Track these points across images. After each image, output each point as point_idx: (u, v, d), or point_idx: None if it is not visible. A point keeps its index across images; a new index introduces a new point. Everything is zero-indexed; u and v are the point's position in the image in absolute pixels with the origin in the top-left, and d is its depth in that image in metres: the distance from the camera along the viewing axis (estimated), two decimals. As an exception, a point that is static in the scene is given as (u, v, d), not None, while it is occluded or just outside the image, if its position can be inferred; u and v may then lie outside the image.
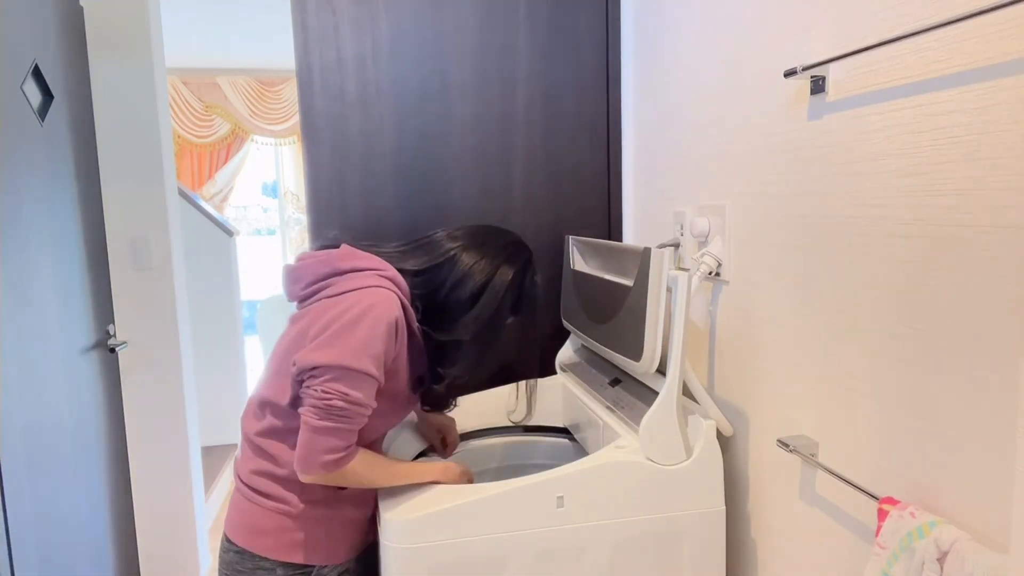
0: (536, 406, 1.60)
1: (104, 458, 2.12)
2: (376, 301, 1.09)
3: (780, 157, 1.13)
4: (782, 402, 1.17)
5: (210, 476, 3.46)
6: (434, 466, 1.21)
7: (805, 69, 1.00)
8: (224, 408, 3.92)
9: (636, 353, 1.20)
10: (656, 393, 1.19)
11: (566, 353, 1.68)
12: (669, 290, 1.17)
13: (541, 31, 1.70)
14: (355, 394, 1.06)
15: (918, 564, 0.80)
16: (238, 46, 4.52)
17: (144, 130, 2.24)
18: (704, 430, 1.18)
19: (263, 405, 1.17)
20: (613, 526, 1.16)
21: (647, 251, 1.16)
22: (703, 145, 1.39)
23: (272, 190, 5.76)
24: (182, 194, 3.30)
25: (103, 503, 2.10)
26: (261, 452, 1.17)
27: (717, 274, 1.33)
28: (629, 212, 1.79)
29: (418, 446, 1.51)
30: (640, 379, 1.34)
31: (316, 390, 1.05)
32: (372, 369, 1.07)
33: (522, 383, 1.61)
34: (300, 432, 1.07)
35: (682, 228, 1.47)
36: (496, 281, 1.19)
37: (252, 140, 5.34)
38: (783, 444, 1.09)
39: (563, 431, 1.62)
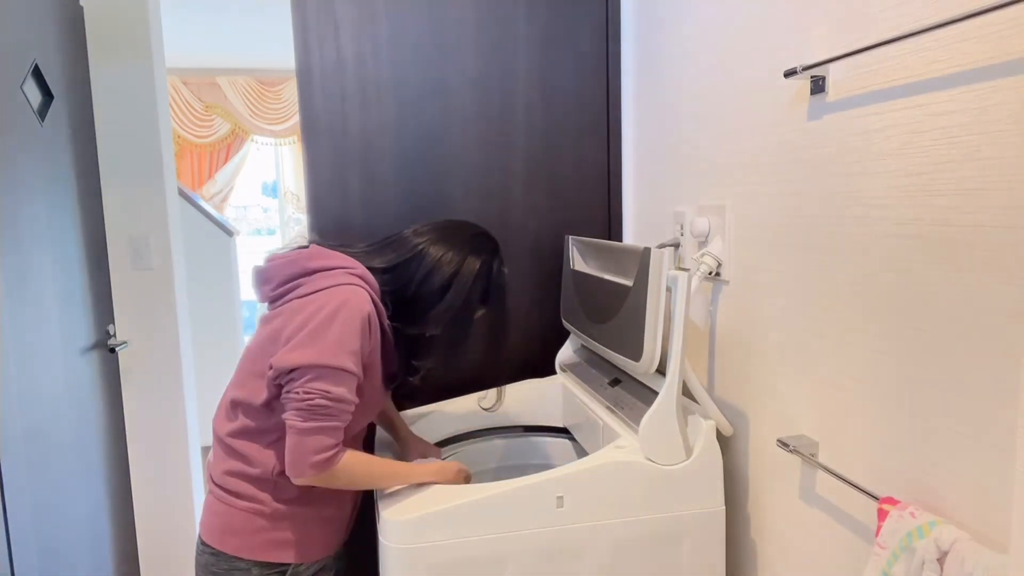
0: (506, 395, 1.60)
1: (104, 458, 2.12)
2: (347, 298, 1.10)
3: (780, 157, 1.13)
4: (782, 402, 1.17)
5: (210, 476, 3.45)
6: (430, 467, 1.21)
7: (805, 69, 1.00)
8: (224, 408, 3.91)
9: (636, 353, 1.20)
10: (656, 393, 1.19)
11: (566, 353, 1.68)
12: (669, 290, 1.17)
13: (541, 31, 1.70)
14: (337, 391, 1.07)
15: (918, 564, 0.80)
16: (238, 46, 4.52)
17: (144, 130, 2.24)
18: (704, 430, 1.18)
19: (235, 406, 1.18)
20: (613, 526, 1.16)
21: (647, 251, 1.16)
22: (703, 145, 1.39)
23: (272, 190, 5.76)
24: (182, 194, 3.30)
25: (103, 503, 2.10)
26: (233, 452, 1.17)
27: (717, 274, 1.33)
28: (629, 212, 1.79)
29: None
30: (640, 379, 1.34)
31: (298, 392, 1.06)
32: (350, 365, 1.08)
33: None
34: (287, 437, 1.07)
35: (682, 228, 1.47)
36: (464, 272, 1.20)
37: (252, 140, 5.34)
38: (783, 444, 1.09)
39: (563, 431, 1.62)
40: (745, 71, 1.22)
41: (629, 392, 1.34)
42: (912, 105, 0.86)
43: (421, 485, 1.18)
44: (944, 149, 0.82)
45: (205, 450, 3.79)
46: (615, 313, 1.29)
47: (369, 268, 1.19)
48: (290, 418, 1.07)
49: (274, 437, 1.15)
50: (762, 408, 1.23)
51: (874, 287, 0.94)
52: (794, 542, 1.16)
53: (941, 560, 0.78)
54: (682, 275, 1.14)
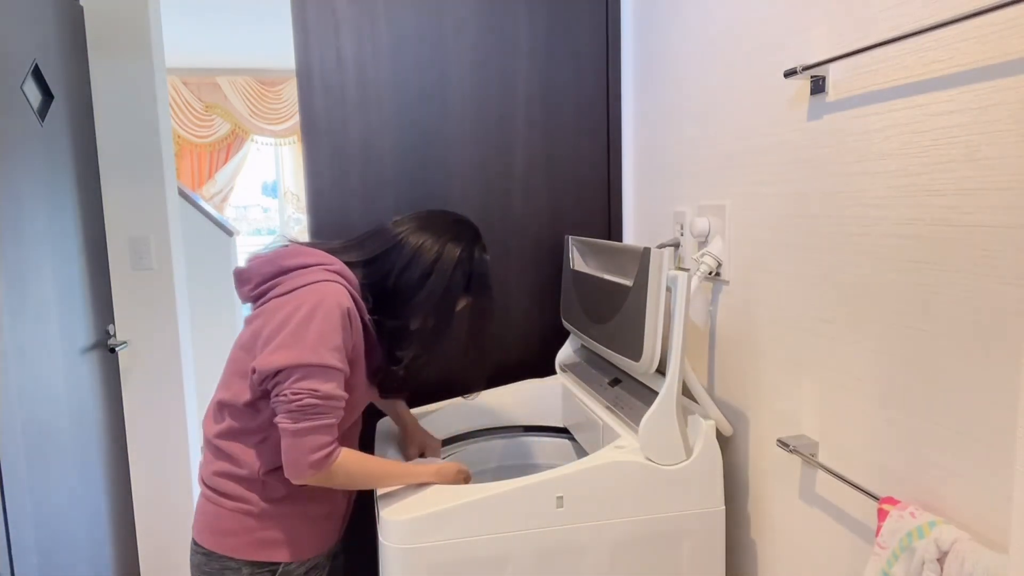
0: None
1: (104, 458, 2.12)
2: (325, 294, 1.09)
3: (780, 157, 1.13)
4: (782, 402, 1.17)
5: (210, 476, 3.45)
6: (430, 467, 1.21)
7: (805, 69, 1.00)
8: (224, 408, 3.91)
9: (636, 353, 1.20)
10: (656, 393, 1.19)
11: (566, 353, 1.68)
12: (669, 290, 1.17)
13: (541, 31, 1.70)
14: (324, 388, 1.06)
15: (918, 564, 0.80)
16: (238, 46, 4.52)
17: (144, 130, 2.24)
18: (704, 430, 1.18)
19: (221, 407, 1.18)
20: (613, 526, 1.16)
21: (647, 251, 1.16)
22: (703, 145, 1.39)
23: (272, 190, 5.76)
24: (182, 194, 3.31)
25: (103, 503, 2.10)
26: (221, 453, 1.17)
27: (717, 274, 1.33)
28: (629, 212, 1.79)
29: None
30: (640, 379, 1.34)
31: (286, 395, 1.06)
32: (334, 361, 1.08)
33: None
34: (282, 441, 1.07)
35: (682, 228, 1.47)
36: (444, 259, 1.20)
37: (252, 140, 5.34)
38: (783, 444, 1.09)
39: (563, 431, 1.62)
40: (745, 71, 1.22)
41: (629, 392, 1.34)
42: (912, 105, 0.86)
43: (421, 485, 1.18)
44: (944, 149, 0.82)
45: (205, 450, 3.79)
46: (615, 313, 1.29)
47: (348, 263, 1.18)
48: (282, 421, 1.06)
49: (260, 437, 1.15)
50: (762, 408, 1.23)
51: (874, 287, 0.94)
52: (794, 542, 1.16)
53: (941, 560, 0.78)
54: (682, 275, 1.14)
